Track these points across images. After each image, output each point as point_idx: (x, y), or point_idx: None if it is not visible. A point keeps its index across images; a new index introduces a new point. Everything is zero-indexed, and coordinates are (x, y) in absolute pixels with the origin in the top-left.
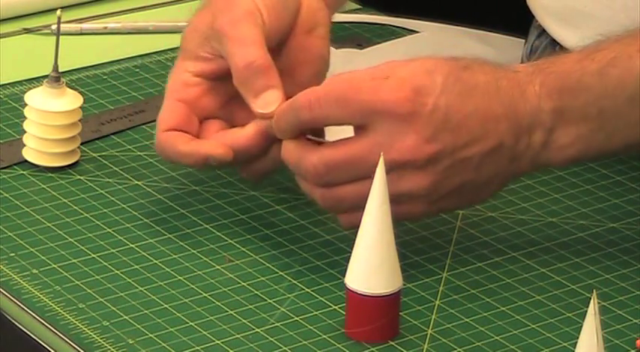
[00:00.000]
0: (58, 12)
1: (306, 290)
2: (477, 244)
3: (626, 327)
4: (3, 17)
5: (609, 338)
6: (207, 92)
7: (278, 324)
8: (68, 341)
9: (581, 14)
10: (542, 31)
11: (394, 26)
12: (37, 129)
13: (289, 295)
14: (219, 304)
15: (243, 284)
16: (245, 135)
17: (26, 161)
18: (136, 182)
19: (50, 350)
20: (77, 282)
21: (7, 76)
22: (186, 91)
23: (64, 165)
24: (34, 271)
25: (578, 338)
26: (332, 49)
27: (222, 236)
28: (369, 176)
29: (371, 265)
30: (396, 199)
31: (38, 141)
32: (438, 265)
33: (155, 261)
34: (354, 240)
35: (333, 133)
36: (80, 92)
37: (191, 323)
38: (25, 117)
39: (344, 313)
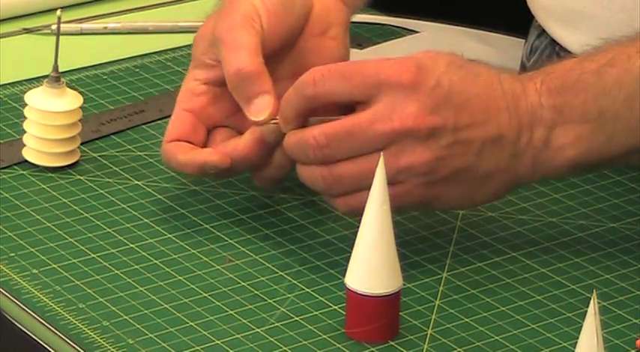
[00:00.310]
0: (58, 12)
1: (306, 290)
2: (477, 244)
3: (626, 327)
4: (3, 17)
5: (609, 338)
6: (214, 100)
7: (278, 324)
8: (68, 341)
9: (581, 15)
10: (542, 31)
11: (394, 26)
12: (37, 129)
13: (289, 295)
14: (219, 304)
15: (243, 284)
16: (242, 143)
17: (26, 161)
18: (136, 182)
19: (50, 350)
20: (77, 282)
21: (7, 76)
22: (193, 100)
23: (64, 165)
24: (34, 271)
25: (578, 338)
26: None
27: (222, 236)
28: (369, 151)
29: (371, 265)
30: (395, 177)
31: (38, 141)
32: (438, 265)
33: (155, 261)
34: (354, 240)
35: None
36: (80, 92)
37: (191, 323)
38: (25, 117)
39: (344, 313)
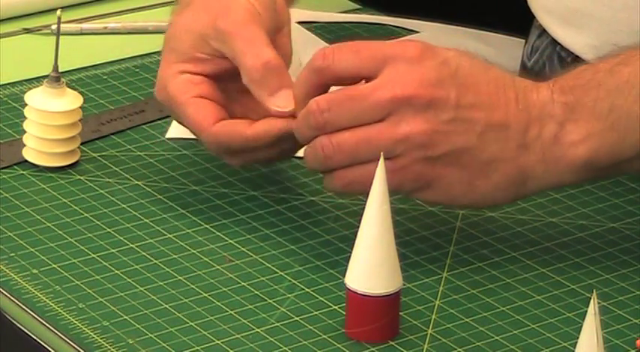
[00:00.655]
0: (58, 12)
1: (306, 290)
2: (477, 244)
3: (626, 327)
4: (3, 17)
5: (609, 338)
6: (212, 90)
7: (278, 324)
8: (68, 341)
9: (582, 14)
10: (543, 31)
11: (394, 26)
12: (37, 129)
13: (289, 295)
14: (219, 304)
15: (243, 284)
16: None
17: (26, 161)
18: (136, 182)
19: (50, 350)
20: (77, 282)
21: (7, 76)
22: (198, 87)
23: (64, 165)
24: (34, 271)
25: (578, 338)
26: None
27: (222, 236)
28: (369, 120)
29: (371, 265)
30: (393, 149)
31: (38, 141)
32: (438, 265)
33: (155, 261)
34: (354, 240)
35: None
36: (80, 92)
37: (191, 323)
38: (25, 117)
39: (344, 313)
